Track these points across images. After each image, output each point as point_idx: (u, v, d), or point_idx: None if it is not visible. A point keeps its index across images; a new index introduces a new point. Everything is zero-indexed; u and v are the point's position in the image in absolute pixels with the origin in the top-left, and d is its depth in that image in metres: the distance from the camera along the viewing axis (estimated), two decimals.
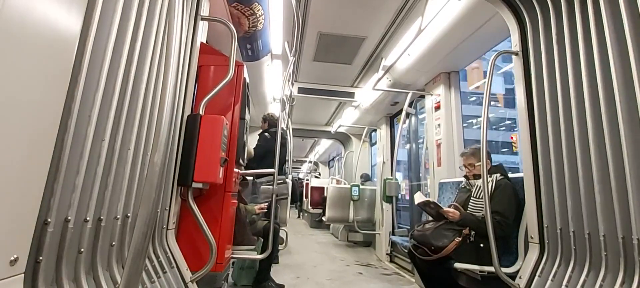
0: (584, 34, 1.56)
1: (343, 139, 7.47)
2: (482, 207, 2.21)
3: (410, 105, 3.81)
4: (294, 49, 2.96)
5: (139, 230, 0.94)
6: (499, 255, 1.83)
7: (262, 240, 2.92)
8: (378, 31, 3.40)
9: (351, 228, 5.72)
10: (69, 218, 0.96)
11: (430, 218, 2.42)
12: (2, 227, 0.71)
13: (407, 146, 4.93)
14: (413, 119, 4.73)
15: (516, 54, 2.04)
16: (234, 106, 2.11)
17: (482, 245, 2.12)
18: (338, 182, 6.53)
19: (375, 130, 5.81)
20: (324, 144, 9.78)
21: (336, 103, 5.94)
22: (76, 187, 0.98)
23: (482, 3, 2.23)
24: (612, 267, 1.40)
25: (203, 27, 1.97)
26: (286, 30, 3.29)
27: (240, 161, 2.33)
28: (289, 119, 4.53)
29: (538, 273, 1.76)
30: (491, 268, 1.90)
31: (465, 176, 2.52)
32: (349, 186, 5.54)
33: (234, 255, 2.43)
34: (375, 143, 6.32)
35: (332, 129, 7.08)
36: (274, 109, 4.94)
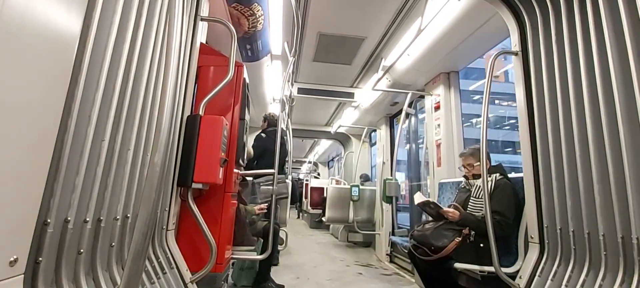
0: (583, 34, 1.56)
1: (343, 139, 7.47)
2: (482, 207, 2.21)
3: (410, 105, 3.81)
4: (293, 49, 2.96)
5: (139, 230, 0.94)
6: (498, 255, 1.83)
7: (261, 240, 2.92)
8: (378, 31, 3.40)
9: (351, 229, 5.72)
10: (69, 218, 0.96)
11: (430, 218, 2.42)
12: (1, 227, 0.71)
13: (407, 146, 4.93)
14: (413, 119, 4.73)
15: (516, 54, 2.05)
16: (233, 106, 2.11)
17: (482, 245, 2.12)
18: (338, 182, 6.52)
19: (375, 131, 5.81)
20: (324, 144, 9.78)
21: (336, 103, 5.94)
22: (76, 187, 0.98)
23: (482, 3, 2.23)
24: (612, 266, 1.41)
25: (203, 27, 1.96)
26: (286, 31, 3.29)
27: (240, 161, 2.33)
28: (289, 119, 4.53)
29: (538, 273, 1.76)
30: (491, 268, 1.90)
31: (465, 176, 2.52)
32: (349, 186, 5.54)
33: (234, 256, 2.43)
34: (375, 143, 6.33)
35: (331, 129, 7.08)
36: (274, 110, 4.94)
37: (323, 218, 5.90)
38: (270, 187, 2.89)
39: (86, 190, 1.03)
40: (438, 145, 3.43)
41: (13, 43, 0.69)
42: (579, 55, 1.57)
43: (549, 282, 1.67)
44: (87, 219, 1.05)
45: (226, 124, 1.85)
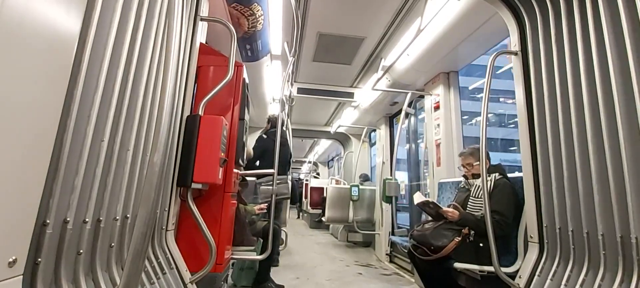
0: (582, 34, 1.57)
1: (342, 139, 7.47)
2: (481, 207, 2.21)
3: (409, 105, 3.81)
4: (293, 49, 2.96)
5: (139, 231, 0.94)
6: (498, 254, 1.83)
7: (261, 240, 2.91)
8: (377, 31, 3.40)
9: (351, 229, 5.72)
10: (68, 219, 0.96)
11: (430, 218, 2.42)
12: (0, 228, 0.70)
13: (407, 146, 4.93)
14: (412, 118, 4.73)
15: (515, 54, 2.05)
16: (233, 106, 2.11)
17: (481, 244, 2.12)
18: (337, 182, 6.52)
19: (374, 131, 5.81)
20: (324, 144, 9.78)
21: (335, 103, 5.94)
22: (75, 187, 0.97)
23: (482, 3, 2.23)
24: (611, 266, 1.41)
25: (202, 27, 1.96)
26: (285, 31, 3.29)
27: (240, 161, 2.33)
28: (289, 119, 4.53)
29: (537, 272, 1.76)
30: (491, 268, 1.90)
31: (464, 176, 2.52)
32: (349, 186, 5.54)
33: (234, 256, 2.43)
34: (374, 143, 6.32)
35: (331, 129, 7.08)
36: (274, 110, 4.94)
37: (323, 218, 5.90)
38: (270, 187, 2.89)
39: (85, 190, 1.03)
40: (437, 145, 3.43)
41: (12, 43, 0.69)
42: (579, 55, 1.57)
43: (548, 281, 1.67)
44: (87, 219, 1.05)
45: (226, 124, 1.85)
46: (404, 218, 5.22)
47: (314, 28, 3.42)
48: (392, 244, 4.53)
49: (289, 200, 4.08)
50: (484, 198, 1.90)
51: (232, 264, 3.05)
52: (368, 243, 5.84)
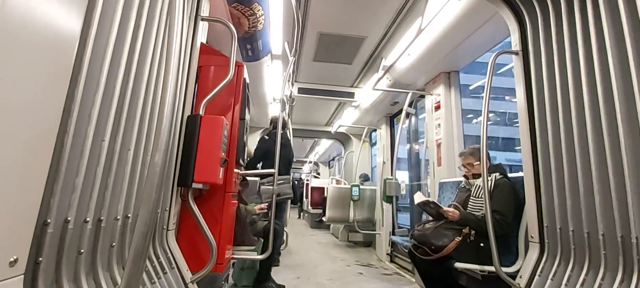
0: (583, 33, 1.56)
1: (343, 139, 7.47)
2: (482, 206, 2.21)
3: (410, 105, 3.81)
4: (294, 49, 2.96)
5: (140, 230, 0.94)
6: (499, 254, 1.83)
7: (262, 240, 2.92)
8: (378, 31, 3.40)
9: (351, 229, 5.72)
10: (69, 218, 0.96)
11: (430, 218, 2.42)
12: (1, 227, 0.71)
13: (408, 146, 4.93)
14: (413, 118, 4.73)
15: (516, 53, 2.04)
16: (234, 106, 2.11)
17: (482, 244, 2.12)
18: (338, 182, 6.52)
19: (375, 130, 5.81)
20: (324, 144, 9.78)
21: (336, 103, 5.95)
22: (76, 187, 0.97)
23: (482, 3, 2.23)
24: (611, 265, 1.41)
25: (203, 27, 1.97)
26: (286, 31, 3.29)
27: (241, 161, 2.33)
28: (289, 119, 4.53)
29: (538, 272, 1.76)
30: (491, 268, 1.90)
31: (465, 176, 2.52)
32: (349, 186, 5.54)
33: (235, 256, 2.43)
34: (375, 143, 6.32)
35: (332, 129, 7.08)
36: (274, 110, 4.95)
37: (323, 218, 5.90)
38: (271, 187, 2.89)
39: (86, 190, 1.03)
40: (438, 145, 3.43)
41: (13, 42, 0.69)
42: (579, 54, 1.57)
43: (549, 281, 1.67)
44: (88, 219, 1.05)
45: (226, 124, 1.85)
46: (404, 218, 5.22)
47: (314, 28, 3.42)
48: (393, 244, 4.53)
49: (290, 200, 4.08)
50: (485, 198, 1.90)
51: (233, 264, 3.05)
52: (369, 243, 5.84)
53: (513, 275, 1.89)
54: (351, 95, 5.08)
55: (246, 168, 2.82)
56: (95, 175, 1.06)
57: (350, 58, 4.08)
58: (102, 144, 1.07)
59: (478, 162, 2.37)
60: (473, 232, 2.18)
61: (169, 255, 1.64)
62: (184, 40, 1.65)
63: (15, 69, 0.71)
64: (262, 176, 3.41)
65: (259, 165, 3.62)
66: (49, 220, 0.88)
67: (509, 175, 2.30)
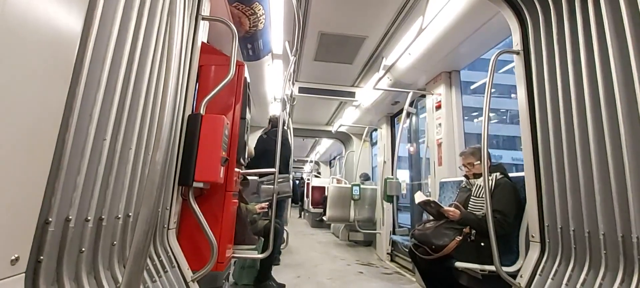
0: (584, 33, 1.56)
1: (344, 138, 7.47)
2: (483, 206, 2.21)
3: (411, 104, 3.80)
4: (294, 48, 2.96)
5: (141, 229, 0.95)
6: (499, 253, 1.83)
7: (262, 239, 2.92)
8: (379, 31, 3.40)
9: (352, 228, 5.72)
10: (70, 217, 0.97)
11: (431, 217, 2.42)
12: (2, 226, 0.71)
13: (408, 145, 4.92)
14: (414, 118, 4.72)
15: (517, 53, 2.04)
16: (234, 106, 2.11)
17: (482, 244, 2.12)
18: (339, 181, 6.52)
19: (376, 130, 5.81)
20: (325, 143, 9.78)
21: (337, 103, 5.94)
22: (77, 186, 0.98)
23: (484, 2, 2.23)
24: (612, 265, 1.41)
25: (204, 26, 1.97)
26: (287, 30, 3.29)
27: (241, 160, 2.33)
28: (290, 119, 4.53)
29: (539, 272, 1.76)
30: (492, 267, 1.90)
31: (465, 175, 2.52)
32: (350, 185, 5.54)
33: (235, 255, 2.43)
34: (375, 142, 6.32)
35: (332, 128, 7.08)
36: (275, 109, 4.95)
37: (324, 218, 5.90)
38: (270, 186, 2.90)
39: (87, 189, 1.03)
40: (439, 145, 3.43)
41: (14, 42, 0.70)
42: (581, 54, 1.57)
43: (549, 280, 1.67)
44: (89, 218, 1.05)
45: (227, 123, 1.85)
46: (405, 217, 5.22)
47: (315, 27, 3.42)
48: (393, 243, 4.53)
49: (290, 199, 4.08)
50: (486, 197, 1.90)
51: (234, 263, 3.05)
52: (369, 242, 5.84)
53: (513, 275, 1.89)
54: (352, 94, 5.08)
55: (247, 168, 2.82)
56: (96, 174, 1.06)
57: (351, 58, 4.07)
58: (103, 143, 1.07)
59: (479, 162, 2.37)
60: (474, 231, 2.18)
61: (170, 253, 1.65)
62: (185, 39, 1.66)
63: (16, 68, 0.71)
64: (261, 175, 3.41)
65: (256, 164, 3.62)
66: (50, 219, 0.88)
67: (514, 174, 2.29)
